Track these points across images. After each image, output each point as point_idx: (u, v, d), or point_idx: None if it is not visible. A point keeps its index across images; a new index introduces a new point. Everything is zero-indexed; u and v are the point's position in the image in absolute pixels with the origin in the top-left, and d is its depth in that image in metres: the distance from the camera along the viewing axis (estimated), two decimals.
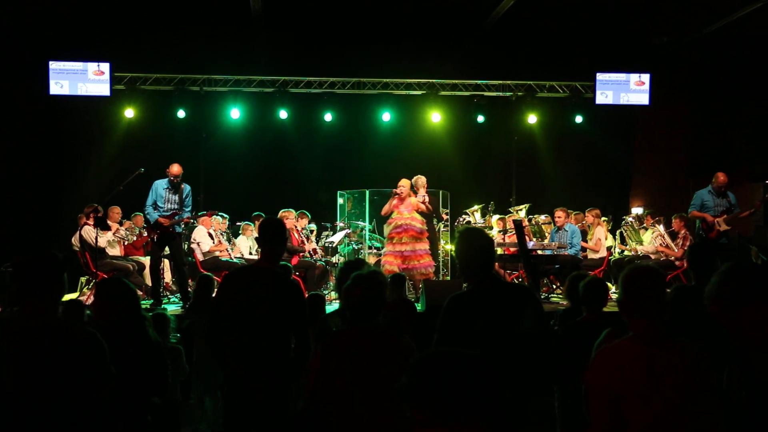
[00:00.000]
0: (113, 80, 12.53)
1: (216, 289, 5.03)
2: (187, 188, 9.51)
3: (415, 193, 10.14)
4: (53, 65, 12.33)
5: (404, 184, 10.00)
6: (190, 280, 9.92)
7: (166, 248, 9.49)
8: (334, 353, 3.51)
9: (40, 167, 12.79)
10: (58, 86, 12.35)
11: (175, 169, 9.39)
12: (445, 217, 11.58)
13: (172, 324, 5.32)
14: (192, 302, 7.35)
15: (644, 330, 2.75)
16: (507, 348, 3.39)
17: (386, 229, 9.66)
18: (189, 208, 9.52)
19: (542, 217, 11.47)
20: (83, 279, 10.47)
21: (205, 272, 10.24)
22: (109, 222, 10.50)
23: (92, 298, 4.80)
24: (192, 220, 10.07)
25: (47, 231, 11.89)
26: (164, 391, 4.24)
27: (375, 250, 11.26)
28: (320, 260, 10.85)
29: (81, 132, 13.14)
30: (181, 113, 13.11)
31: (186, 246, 10.50)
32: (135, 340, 3.97)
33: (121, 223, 10.86)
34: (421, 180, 10.23)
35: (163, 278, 10.32)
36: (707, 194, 9.67)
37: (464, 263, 3.74)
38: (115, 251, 10.56)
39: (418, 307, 8.75)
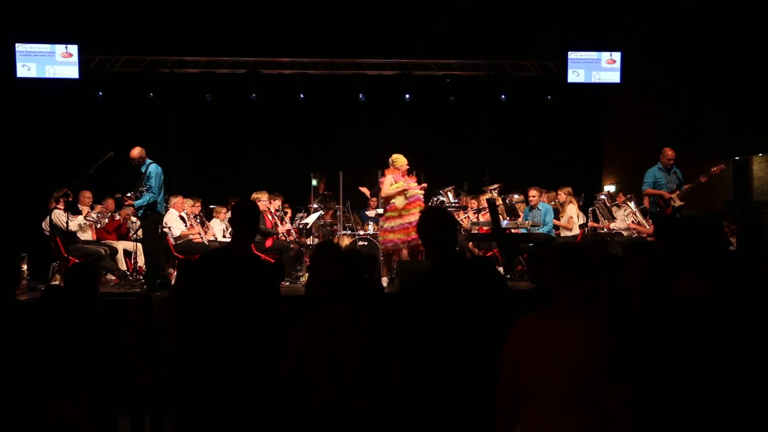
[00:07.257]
0: (82, 62, 12.36)
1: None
2: (150, 170, 9.16)
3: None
4: (20, 47, 12.11)
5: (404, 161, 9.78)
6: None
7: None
8: (314, 329, 3.51)
9: (7, 151, 12.59)
10: (26, 69, 12.15)
11: (132, 152, 9.20)
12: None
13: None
14: None
15: (559, 304, 2.94)
16: (475, 325, 3.42)
17: (398, 201, 9.47)
18: (150, 191, 9.12)
19: (516, 196, 11.51)
20: (55, 264, 10.34)
21: (180, 256, 10.23)
22: (79, 206, 10.40)
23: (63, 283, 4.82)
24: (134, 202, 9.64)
25: (15, 215, 11.69)
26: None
27: (349, 232, 11.24)
28: (294, 241, 10.83)
29: (50, 115, 12.96)
30: (151, 95, 13.00)
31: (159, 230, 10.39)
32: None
33: (92, 207, 10.74)
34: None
35: (137, 262, 10.26)
36: (658, 171, 9.76)
37: (427, 242, 3.74)
38: (87, 236, 10.45)
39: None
